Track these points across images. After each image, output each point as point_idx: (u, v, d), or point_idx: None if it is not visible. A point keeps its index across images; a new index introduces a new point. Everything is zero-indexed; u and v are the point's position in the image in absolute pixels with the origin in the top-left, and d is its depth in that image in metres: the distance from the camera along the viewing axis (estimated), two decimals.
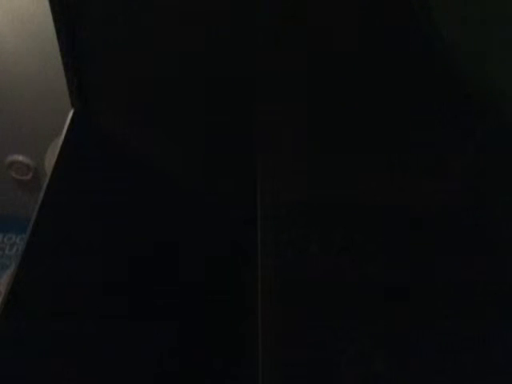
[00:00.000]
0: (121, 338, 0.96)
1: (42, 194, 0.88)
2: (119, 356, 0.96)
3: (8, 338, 0.78)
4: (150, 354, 0.99)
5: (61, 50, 0.91)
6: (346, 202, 0.72)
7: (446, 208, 0.71)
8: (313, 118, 0.79)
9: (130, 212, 1.02)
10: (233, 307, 1.01)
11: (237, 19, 0.86)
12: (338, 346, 0.61)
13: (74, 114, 0.97)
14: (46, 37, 1.41)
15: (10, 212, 2.05)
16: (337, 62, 0.81)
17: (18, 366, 0.81)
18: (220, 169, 1.04)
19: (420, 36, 0.75)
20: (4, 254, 1.99)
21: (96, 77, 0.96)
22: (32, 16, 1.42)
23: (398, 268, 0.67)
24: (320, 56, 0.81)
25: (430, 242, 0.69)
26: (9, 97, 1.65)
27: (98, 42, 0.91)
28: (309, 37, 0.80)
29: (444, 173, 0.75)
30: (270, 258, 0.67)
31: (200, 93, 0.95)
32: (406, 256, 0.68)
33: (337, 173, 0.75)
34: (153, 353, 1.00)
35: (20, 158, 1.84)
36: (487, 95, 0.74)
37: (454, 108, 0.76)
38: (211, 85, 0.94)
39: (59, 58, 0.92)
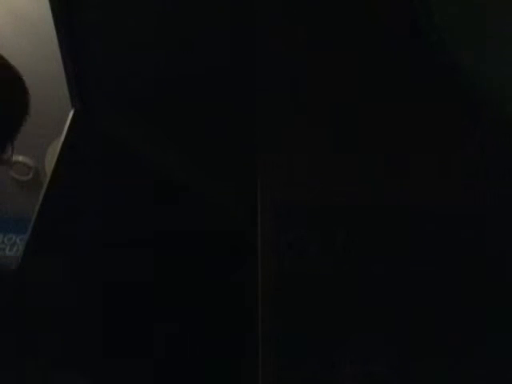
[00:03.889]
0: (120, 338, 0.96)
1: (42, 194, 0.88)
2: (118, 355, 0.96)
3: (9, 338, 0.78)
4: (150, 354, 0.99)
5: (61, 50, 0.91)
6: (346, 203, 0.72)
7: (446, 207, 0.71)
8: (313, 119, 0.79)
9: (130, 211, 1.02)
10: (233, 307, 1.01)
11: (237, 19, 0.86)
12: (337, 345, 0.61)
13: (74, 114, 0.97)
14: (46, 37, 1.40)
15: (10, 212, 2.04)
16: (335, 60, 0.81)
17: (19, 366, 0.81)
18: (220, 169, 1.04)
19: (420, 35, 0.75)
20: (4, 254, 1.98)
21: (96, 77, 0.96)
22: (32, 16, 1.42)
23: (397, 268, 0.67)
24: (319, 55, 0.81)
25: (430, 241, 0.69)
26: None
27: (98, 42, 0.91)
28: (308, 34, 0.80)
29: (444, 172, 0.75)
30: (270, 258, 0.67)
31: (200, 92, 0.95)
32: (406, 256, 0.68)
33: (337, 173, 0.75)
34: (153, 353, 1.00)
35: (20, 158, 1.84)
36: (487, 95, 0.74)
37: (454, 108, 0.76)
38: (212, 84, 0.94)
39: (59, 57, 0.92)
